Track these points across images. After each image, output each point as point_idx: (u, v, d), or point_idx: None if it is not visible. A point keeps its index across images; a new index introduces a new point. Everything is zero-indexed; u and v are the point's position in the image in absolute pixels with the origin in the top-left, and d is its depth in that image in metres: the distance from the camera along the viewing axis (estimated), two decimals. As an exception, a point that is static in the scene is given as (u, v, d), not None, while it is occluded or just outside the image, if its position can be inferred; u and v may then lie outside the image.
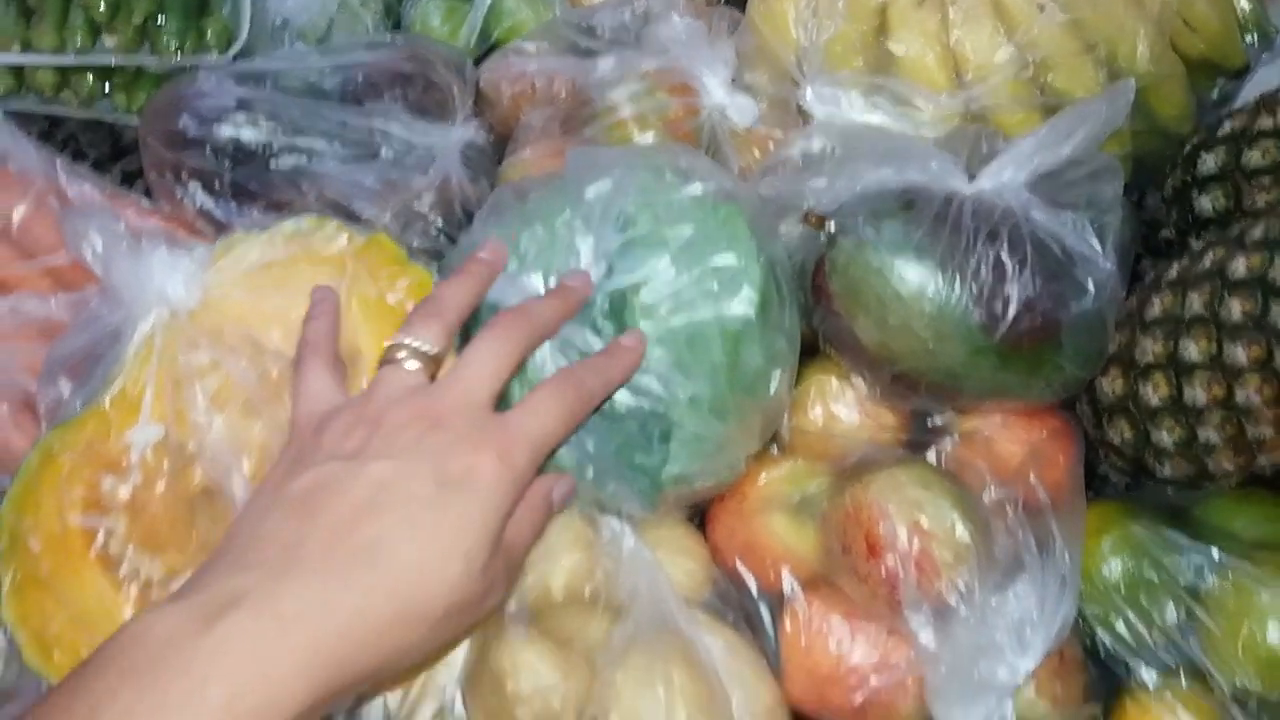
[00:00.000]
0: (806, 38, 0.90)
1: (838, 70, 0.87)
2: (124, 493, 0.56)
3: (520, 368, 0.55)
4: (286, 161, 0.77)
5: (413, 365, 0.52)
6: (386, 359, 0.52)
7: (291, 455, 0.50)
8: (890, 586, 0.59)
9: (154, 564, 0.55)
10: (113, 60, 0.88)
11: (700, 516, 0.70)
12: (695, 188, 0.63)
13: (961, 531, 0.59)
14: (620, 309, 0.60)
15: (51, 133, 0.94)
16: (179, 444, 0.57)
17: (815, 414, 0.72)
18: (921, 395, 0.67)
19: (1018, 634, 0.60)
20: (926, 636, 0.59)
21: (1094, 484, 0.75)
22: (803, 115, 0.87)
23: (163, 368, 0.57)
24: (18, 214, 0.74)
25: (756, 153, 0.83)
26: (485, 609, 0.50)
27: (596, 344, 0.59)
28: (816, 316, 0.67)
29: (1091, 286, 0.63)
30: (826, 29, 0.87)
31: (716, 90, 0.81)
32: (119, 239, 0.56)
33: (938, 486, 0.61)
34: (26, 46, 0.87)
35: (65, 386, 0.60)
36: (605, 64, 0.82)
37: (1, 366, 0.67)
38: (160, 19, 0.88)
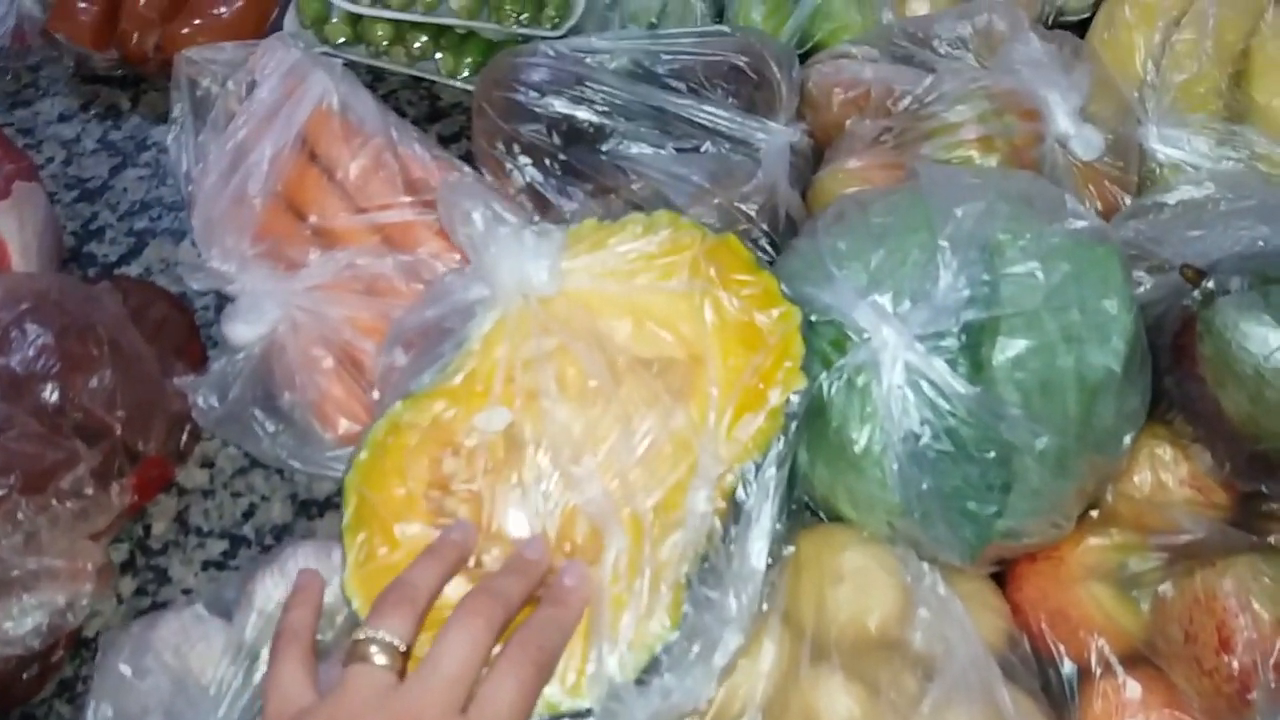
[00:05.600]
0: (1155, 74, 0.85)
1: (1189, 113, 0.82)
2: (465, 477, 0.55)
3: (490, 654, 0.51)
4: (615, 146, 0.75)
5: (382, 661, 0.50)
6: (356, 655, 0.50)
7: None
8: (1241, 686, 0.54)
9: (483, 545, 0.55)
10: (457, 21, 0.90)
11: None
12: (1072, 223, 0.59)
13: (1332, 641, 0.54)
14: (977, 344, 0.56)
15: (374, 87, 0.95)
16: (520, 429, 0.56)
17: (1141, 480, 0.66)
18: (1278, 478, 0.61)
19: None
20: (1272, 748, 0.54)
21: None
22: (1142, 156, 0.82)
23: (514, 351, 0.57)
24: (355, 167, 0.74)
25: (1092, 189, 0.78)
26: None
27: (950, 376, 0.56)
28: (1170, 379, 0.62)
29: None
30: (1186, 68, 0.82)
31: (1063, 119, 0.76)
32: (498, 221, 0.56)
33: (1304, 585, 0.56)
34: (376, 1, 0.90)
35: (401, 355, 0.60)
36: (945, 78, 0.78)
37: (329, 317, 0.68)
38: (505, -12, 0.90)
